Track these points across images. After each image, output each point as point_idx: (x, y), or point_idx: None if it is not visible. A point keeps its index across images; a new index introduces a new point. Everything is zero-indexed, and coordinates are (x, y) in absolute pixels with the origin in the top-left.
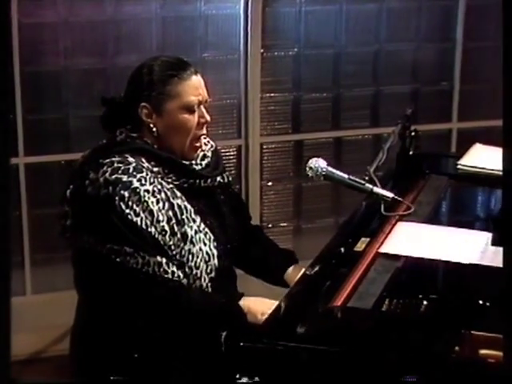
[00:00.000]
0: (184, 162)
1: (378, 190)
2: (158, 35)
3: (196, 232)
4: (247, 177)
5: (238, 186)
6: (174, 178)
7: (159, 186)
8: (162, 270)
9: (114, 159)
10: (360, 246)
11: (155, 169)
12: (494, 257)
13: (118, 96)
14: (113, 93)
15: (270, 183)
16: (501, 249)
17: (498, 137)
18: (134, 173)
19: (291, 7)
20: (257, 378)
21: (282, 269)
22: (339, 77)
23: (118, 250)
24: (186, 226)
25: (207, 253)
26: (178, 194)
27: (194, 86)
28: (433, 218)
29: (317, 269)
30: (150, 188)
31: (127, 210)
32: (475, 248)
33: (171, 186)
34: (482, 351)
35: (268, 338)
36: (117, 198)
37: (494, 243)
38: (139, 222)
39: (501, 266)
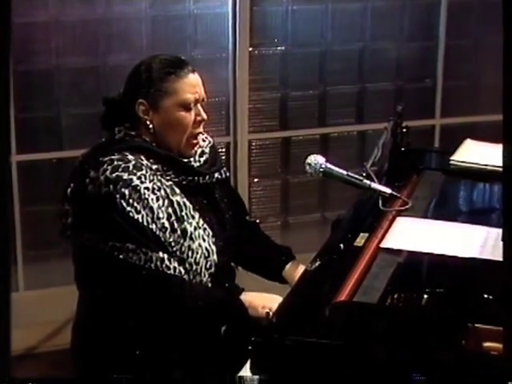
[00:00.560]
0: (182, 159)
1: (375, 185)
2: (148, 34)
3: (195, 228)
4: (236, 173)
5: None
6: (172, 175)
7: (159, 184)
8: (164, 265)
9: (113, 157)
10: (359, 241)
11: (154, 166)
12: (493, 251)
13: (118, 95)
14: (104, 91)
15: (257, 179)
16: (500, 243)
17: (480, 132)
18: (134, 171)
19: (278, 6)
20: (267, 374)
21: (281, 265)
22: (325, 74)
23: (121, 247)
24: (185, 223)
25: (206, 249)
26: (177, 190)
27: (191, 84)
28: (430, 213)
29: (319, 264)
30: (150, 185)
31: (128, 208)
32: (474, 242)
33: (170, 183)
34: (485, 344)
35: (278, 333)
36: (118, 195)
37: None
38: (140, 219)
39: (500, 259)
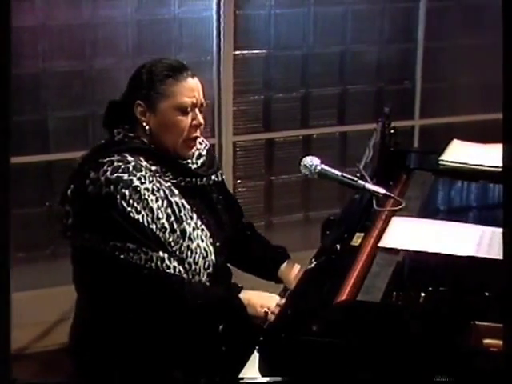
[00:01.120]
0: (180, 161)
1: (369, 186)
2: (134, 38)
3: (194, 229)
4: None
5: None
6: (171, 176)
7: (158, 185)
8: (164, 265)
9: (113, 158)
10: (356, 240)
11: (153, 168)
12: (488, 249)
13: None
14: (90, 94)
15: (242, 180)
16: (495, 241)
17: (458, 132)
18: (134, 171)
19: (261, 10)
20: (276, 373)
21: (276, 265)
22: (307, 77)
23: (121, 247)
24: (184, 223)
25: (205, 249)
26: (176, 191)
27: (190, 88)
28: (424, 213)
29: (319, 264)
30: (150, 186)
31: (129, 208)
32: (470, 241)
33: (169, 184)
34: (485, 341)
35: (286, 332)
36: (118, 196)
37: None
38: (141, 219)
39: (496, 257)
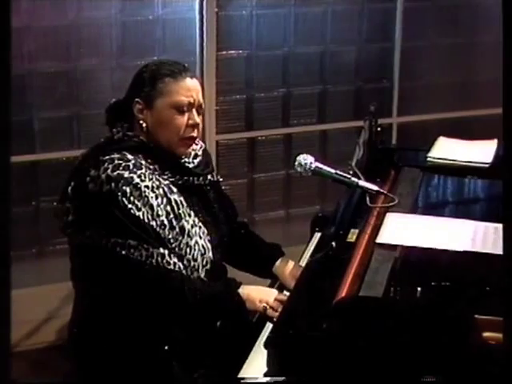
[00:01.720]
0: (178, 159)
1: (363, 183)
2: (118, 39)
3: (192, 226)
4: None
5: None
6: (169, 174)
7: (157, 182)
8: (164, 261)
9: (113, 156)
10: (351, 236)
11: (152, 166)
12: (483, 244)
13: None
14: (75, 95)
15: (225, 178)
16: (488, 236)
17: (435, 129)
18: (135, 169)
19: (243, 11)
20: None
21: (271, 262)
22: (288, 76)
23: (122, 244)
24: (183, 221)
25: (203, 246)
26: (175, 189)
27: (187, 88)
28: (417, 209)
29: (317, 260)
30: (149, 184)
31: (129, 205)
32: (465, 236)
33: (167, 182)
34: (485, 334)
35: (293, 329)
36: (119, 193)
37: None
38: (141, 216)
39: (491, 252)
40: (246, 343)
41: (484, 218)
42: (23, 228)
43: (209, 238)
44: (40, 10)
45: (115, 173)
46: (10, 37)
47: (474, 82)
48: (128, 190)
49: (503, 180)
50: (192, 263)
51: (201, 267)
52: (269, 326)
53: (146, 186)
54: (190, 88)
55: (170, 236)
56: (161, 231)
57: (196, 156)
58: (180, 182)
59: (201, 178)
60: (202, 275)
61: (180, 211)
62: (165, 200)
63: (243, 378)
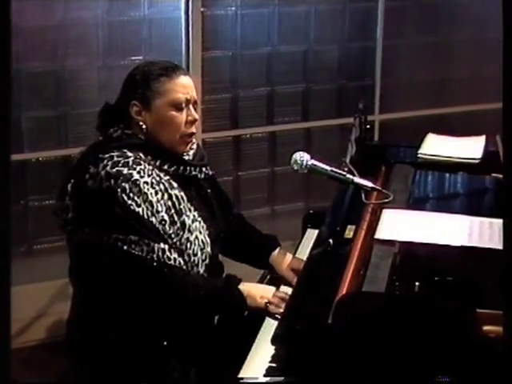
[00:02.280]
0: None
1: (357, 180)
2: (105, 38)
3: (193, 221)
4: None
5: None
6: (168, 165)
7: (157, 178)
8: (165, 256)
9: (113, 154)
10: (348, 233)
11: (152, 162)
12: (480, 239)
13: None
14: (63, 94)
15: None
16: (484, 231)
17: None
18: (134, 166)
19: (228, 10)
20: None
21: (267, 253)
22: (272, 75)
23: (124, 239)
24: (184, 216)
25: (202, 241)
26: (175, 184)
27: (182, 85)
28: (412, 205)
29: (317, 256)
30: (149, 180)
31: (129, 202)
32: (461, 231)
33: (168, 177)
34: (485, 328)
35: (300, 324)
36: (119, 190)
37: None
38: (141, 212)
39: (488, 246)
40: (244, 339)
41: (478, 213)
42: (12, 227)
43: (208, 232)
44: (28, 10)
45: (114, 169)
46: (10, 37)
47: (453, 80)
48: (127, 186)
49: (503, 178)
50: (192, 258)
51: (200, 262)
52: (268, 323)
53: (146, 182)
54: (185, 85)
55: (171, 231)
56: (161, 227)
57: (190, 149)
58: (180, 172)
59: (197, 169)
60: (202, 270)
61: (181, 206)
62: (165, 195)
63: (242, 378)
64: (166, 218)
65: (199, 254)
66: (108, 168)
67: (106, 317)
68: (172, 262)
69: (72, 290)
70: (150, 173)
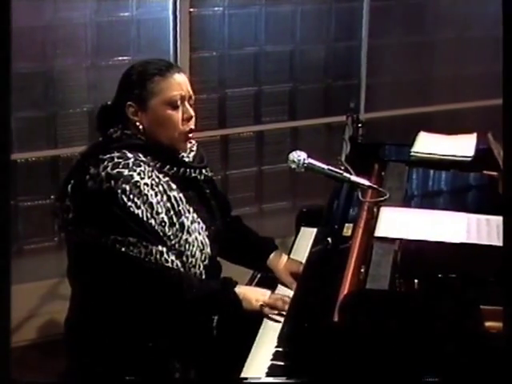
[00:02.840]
0: (177, 155)
1: (354, 178)
2: (93, 39)
3: (192, 222)
4: None
5: None
6: (168, 167)
7: (157, 180)
8: (163, 258)
9: (113, 155)
10: (346, 231)
11: (151, 163)
12: (478, 235)
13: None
14: (52, 95)
15: None
16: (481, 228)
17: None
18: (134, 167)
19: (216, 11)
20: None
21: (264, 255)
22: (260, 75)
23: (122, 241)
24: (183, 217)
25: (201, 242)
26: (174, 186)
27: (176, 82)
28: (408, 202)
29: (317, 255)
30: (149, 181)
31: (129, 203)
32: (460, 228)
33: (167, 179)
34: (486, 323)
35: (308, 322)
36: (119, 191)
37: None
38: (140, 214)
39: (486, 243)
40: (242, 341)
41: (474, 210)
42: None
43: (207, 233)
44: (16, 11)
45: (115, 171)
46: (10, 37)
47: (437, 79)
48: (127, 187)
49: (503, 175)
50: (190, 259)
51: (199, 263)
52: (266, 324)
53: (146, 184)
54: (179, 82)
55: (170, 233)
56: (160, 229)
57: (190, 151)
58: (179, 174)
59: (197, 171)
60: (201, 271)
61: (180, 208)
62: (165, 197)
63: (246, 378)
64: (165, 219)
65: (198, 254)
66: (108, 169)
67: (103, 317)
68: (169, 264)
69: (64, 290)
70: (149, 174)
